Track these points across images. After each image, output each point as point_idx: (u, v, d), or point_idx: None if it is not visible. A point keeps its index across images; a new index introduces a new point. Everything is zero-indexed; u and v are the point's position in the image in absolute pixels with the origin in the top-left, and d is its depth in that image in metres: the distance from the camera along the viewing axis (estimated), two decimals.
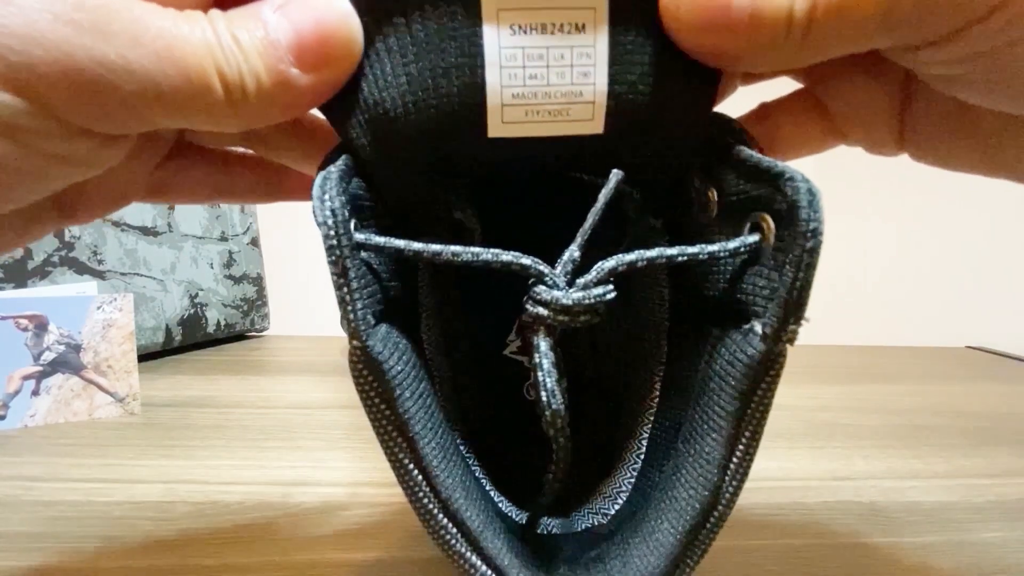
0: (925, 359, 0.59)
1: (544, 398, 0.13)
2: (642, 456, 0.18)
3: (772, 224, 0.12)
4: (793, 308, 0.12)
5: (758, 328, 0.12)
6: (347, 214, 0.12)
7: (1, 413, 0.33)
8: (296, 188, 0.20)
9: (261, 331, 0.61)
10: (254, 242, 0.60)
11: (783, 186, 0.12)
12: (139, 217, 0.49)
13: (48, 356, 0.35)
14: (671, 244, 0.14)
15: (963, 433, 0.37)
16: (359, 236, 0.13)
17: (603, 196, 0.14)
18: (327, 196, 0.12)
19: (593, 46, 0.13)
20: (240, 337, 0.59)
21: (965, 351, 0.65)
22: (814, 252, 0.11)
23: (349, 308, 0.12)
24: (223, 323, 0.56)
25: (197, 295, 0.53)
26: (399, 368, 0.13)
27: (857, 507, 0.27)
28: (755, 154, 0.13)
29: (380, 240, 0.13)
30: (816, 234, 0.11)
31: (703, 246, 0.13)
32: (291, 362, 0.51)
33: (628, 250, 0.13)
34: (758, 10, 0.12)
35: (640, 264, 0.13)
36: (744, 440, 0.13)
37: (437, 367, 0.19)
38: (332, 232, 0.12)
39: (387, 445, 0.14)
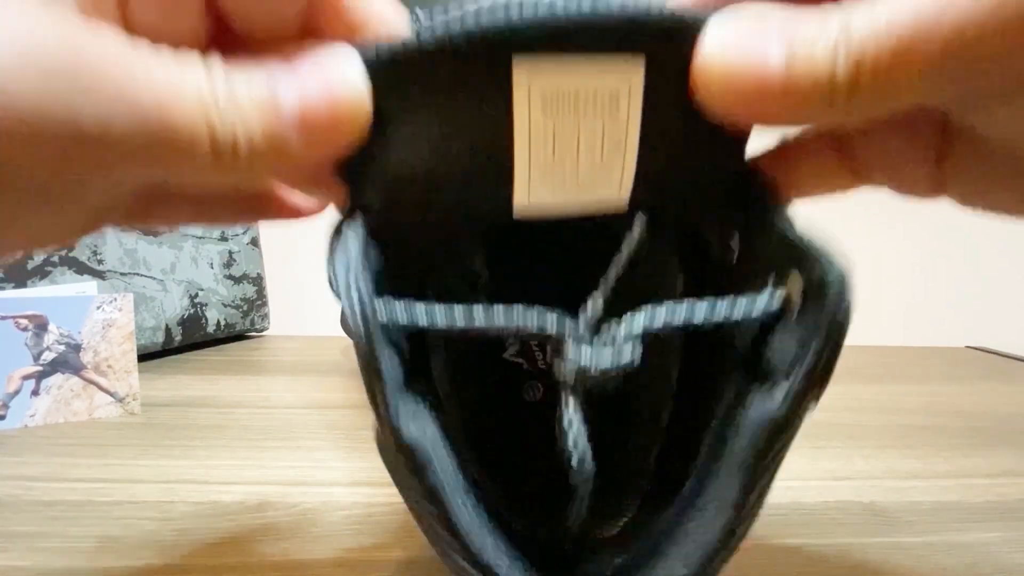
0: (925, 359, 0.59)
1: (575, 461, 0.13)
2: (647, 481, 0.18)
3: (800, 284, 0.12)
4: (818, 379, 0.12)
5: (781, 391, 0.12)
6: (372, 299, 0.12)
7: (1, 413, 0.33)
8: (280, 209, 0.19)
9: (261, 331, 0.61)
10: (254, 242, 0.60)
11: (814, 266, 0.12)
12: None
13: (48, 356, 0.35)
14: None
15: (963, 433, 0.37)
16: (383, 317, 0.12)
17: (627, 246, 0.14)
18: (353, 287, 0.12)
19: (626, 123, 0.12)
20: (240, 337, 0.59)
21: (965, 351, 0.65)
22: (844, 329, 0.11)
23: (380, 400, 0.12)
24: (223, 323, 0.56)
25: (197, 295, 0.53)
26: (425, 442, 0.13)
27: (857, 507, 0.27)
28: (784, 222, 0.13)
29: (405, 319, 0.13)
30: (849, 314, 0.11)
31: (732, 306, 0.12)
32: (291, 362, 0.51)
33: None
34: (794, 77, 0.11)
35: (673, 324, 0.12)
36: (759, 488, 0.13)
37: (439, 381, 0.18)
38: (363, 326, 0.11)
39: (416, 512, 0.14)
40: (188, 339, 0.52)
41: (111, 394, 0.36)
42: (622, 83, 0.12)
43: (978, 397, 0.46)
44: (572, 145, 0.12)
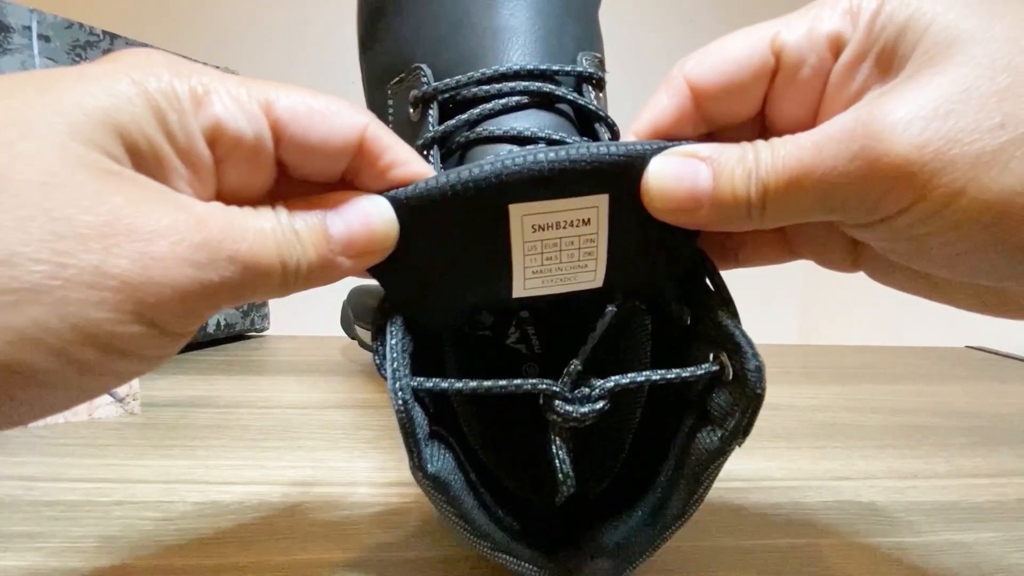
0: (925, 359, 0.59)
1: (561, 476, 0.17)
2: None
3: (729, 363, 0.17)
4: (741, 432, 0.17)
5: (717, 434, 0.17)
6: (408, 382, 0.16)
7: None
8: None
9: (261, 331, 0.61)
10: None
11: (736, 354, 0.16)
12: None
13: None
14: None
15: (963, 433, 0.37)
16: (414, 383, 0.17)
17: (600, 326, 0.18)
18: (393, 377, 0.16)
19: (596, 232, 0.16)
20: (240, 337, 0.59)
21: (965, 351, 0.65)
22: (759, 401, 0.16)
23: (415, 453, 0.16)
24: (223, 323, 0.56)
25: None
26: (445, 474, 0.17)
27: (857, 507, 0.27)
28: (722, 316, 0.17)
29: (431, 385, 0.17)
30: (760, 395, 0.16)
31: (679, 372, 0.17)
32: (291, 362, 0.51)
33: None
34: (718, 199, 0.15)
35: (632, 385, 0.17)
36: (697, 495, 0.18)
37: (450, 371, 0.22)
38: (402, 405, 0.16)
39: (453, 528, 0.19)
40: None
41: (111, 394, 0.36)
42: (591, 208, 0.16)
43: (978, 397, 0.46)
44: (556, 251, 0.17)
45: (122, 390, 0.36)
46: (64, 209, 0.11)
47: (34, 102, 0.12)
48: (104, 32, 0.44)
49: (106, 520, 0.24)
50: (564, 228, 0.16)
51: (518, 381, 0.17)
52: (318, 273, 0.15)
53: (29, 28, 0.39)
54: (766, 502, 0.27)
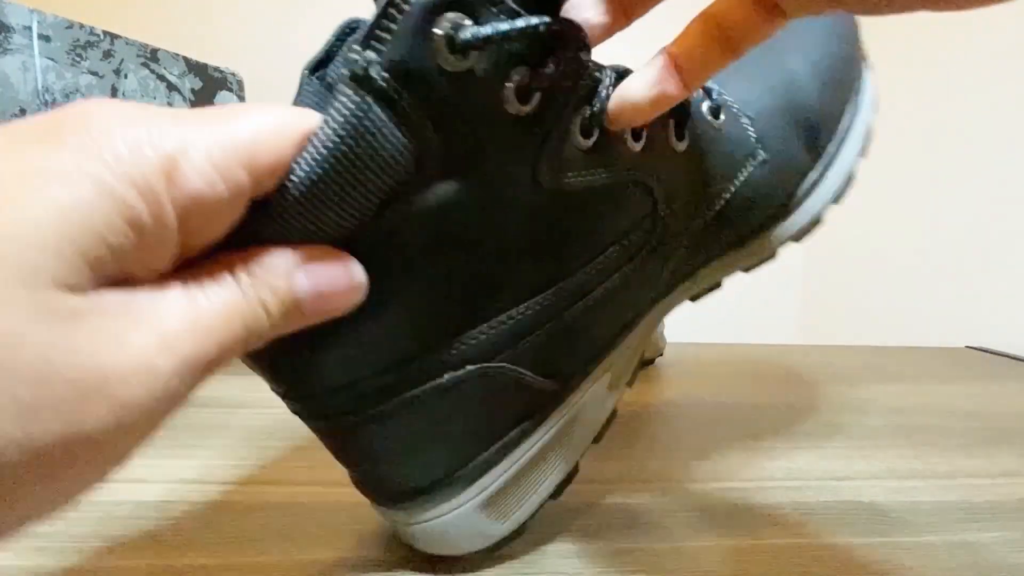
0: (925, 359, 0.59)
1: None
2: None
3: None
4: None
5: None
6: None
7: None
8: None
9: None
10: None
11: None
12: None
13: None
14: None
15: (963, 433, 0.37)
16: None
17: None
18: None
19: None
20: None
21: (965, 351, 0.65)
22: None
23: None
24: None
25: None
26: None
27: (857, 507, 0.27)
28: None
29: None
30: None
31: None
32: None
33: None
34: None
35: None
36: None
37: None
38: None
39: None
40: None
41: None
42: None
43: (978, 397, 0.46)
44: None
45: None
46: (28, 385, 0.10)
47: None
48: (104, 32, 0.44)
49: (106, 520, 0.24)
50: None
51: None
52: (282, 329, 0.15)
53: (29, 28, 0.39)
54: (766, 502, 0.27)
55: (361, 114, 0.14)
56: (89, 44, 0.43)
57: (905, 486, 0.29)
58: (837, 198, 0.27)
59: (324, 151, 0.14)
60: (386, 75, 0.14)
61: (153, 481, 0.27)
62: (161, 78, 0.48)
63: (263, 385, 0.19)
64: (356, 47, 0.14)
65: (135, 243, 0.11)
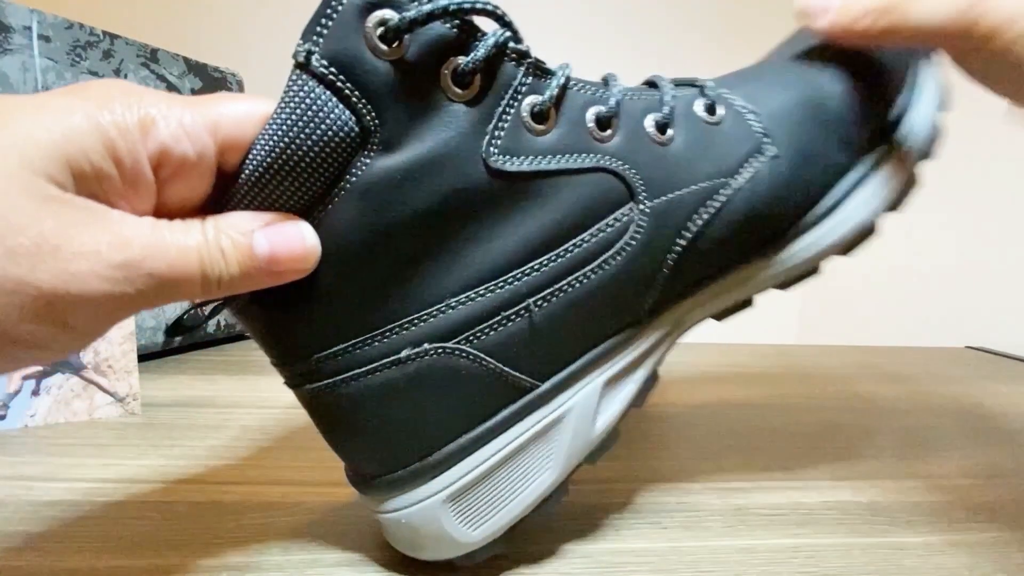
0: (925, 359, 0.59)
1: None
2: None
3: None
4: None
5: None
6: None
7: (1, 413, 0.33)
8: None
9: None
10: None
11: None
12: None
13: None
14: None
15: (963, 433, 0.37)
16: None
17: None
18: None
19: None
20: (240, 337, 0.59)
21: (965, 351, 0.65)
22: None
23: None
24: (223, 323, 0.56)
25: None
26: None
27: (857, 507, 0.27)
28: None
29: None
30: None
31: None
32: None
33: None
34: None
35: None
36: None
37: None
38: None
39: None
40: (188, 339, 0.52)
41: (111, 394, 0.36)
42: None
43: (978, 397, 0.46)
44: None
45: (122, 390, 0.36)
46: (1, 230, 0.13)
47: None
48: (104, 32, 0.44)
49: (106, 520, 0.24)
50: None
51: None
52: (239, 284, 0.17)
53: (29, 28, 0.39)
54: (766, 502, 0.27)
55: (304, 94, 0.16)
56: (89, 44, 0.43)
57: (904, 486, 0.29)
58: (895, 205, 0.25)
59: (275, 127, 0.16)
60: (325, 62, 0.16)
61: (152, 481, 0.27)
62: (161, 78, 0.48)
63: (261, 385, 0.20)
64: (300, 40, 0.16)
65: (115, 171, 0.15)
